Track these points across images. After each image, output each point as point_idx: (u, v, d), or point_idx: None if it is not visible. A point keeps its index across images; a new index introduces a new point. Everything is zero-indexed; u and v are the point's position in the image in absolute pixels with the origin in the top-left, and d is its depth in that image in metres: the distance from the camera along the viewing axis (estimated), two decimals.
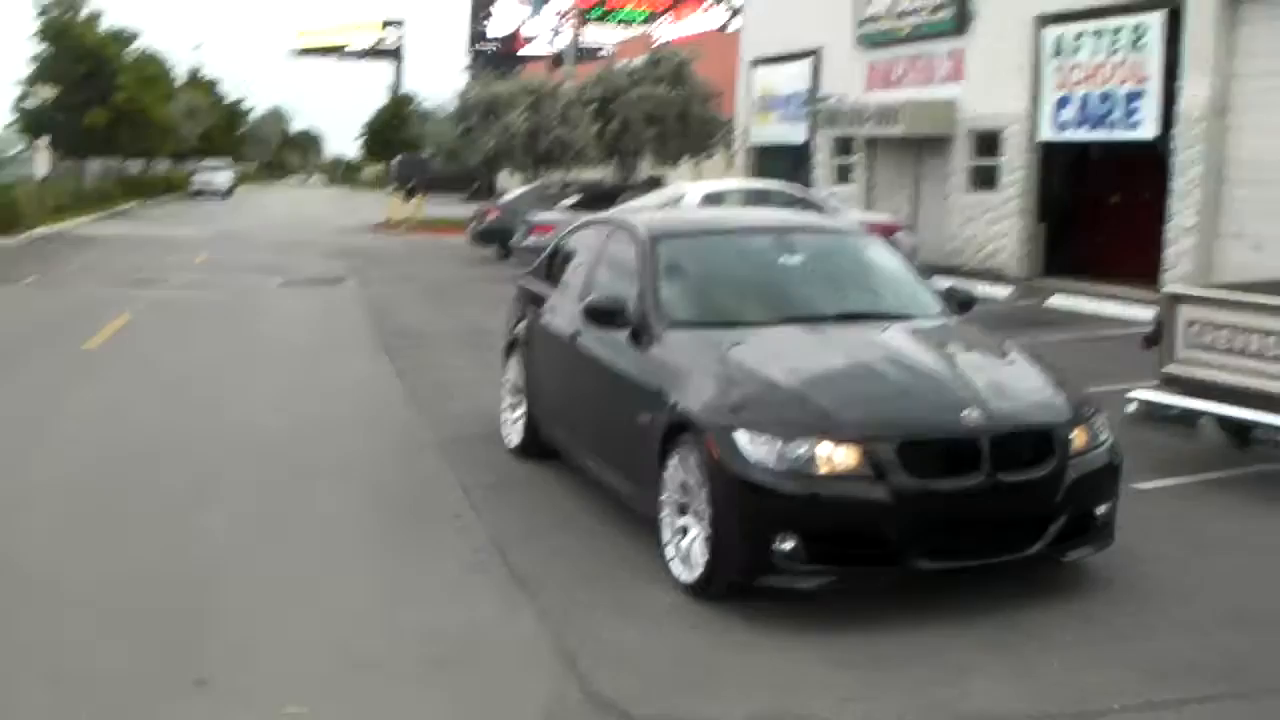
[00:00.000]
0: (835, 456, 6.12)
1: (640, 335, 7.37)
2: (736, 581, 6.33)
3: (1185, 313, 8.93)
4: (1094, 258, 21.55)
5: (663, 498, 6.78)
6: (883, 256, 8.39)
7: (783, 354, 6.93)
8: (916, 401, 6.43)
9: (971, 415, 6.28)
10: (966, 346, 7.43)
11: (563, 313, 8.56)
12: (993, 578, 6.51)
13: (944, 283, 8.80)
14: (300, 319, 17.81)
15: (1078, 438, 6.49)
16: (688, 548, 6.58)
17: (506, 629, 6.20)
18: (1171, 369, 9.01)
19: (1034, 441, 6.36)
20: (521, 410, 9.26)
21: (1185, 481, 8.81)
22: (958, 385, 6.56)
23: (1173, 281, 16.23)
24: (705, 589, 6.43)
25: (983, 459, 6.18)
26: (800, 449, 6.15)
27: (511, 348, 9.63)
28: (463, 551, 7.26)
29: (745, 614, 6.28)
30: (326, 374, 13.19)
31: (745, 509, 6.21)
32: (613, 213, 11.71)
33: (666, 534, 6.78)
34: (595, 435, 7.90)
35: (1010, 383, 6.80)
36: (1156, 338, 9.12)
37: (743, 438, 6.26)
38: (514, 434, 9.36)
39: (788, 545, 6.13)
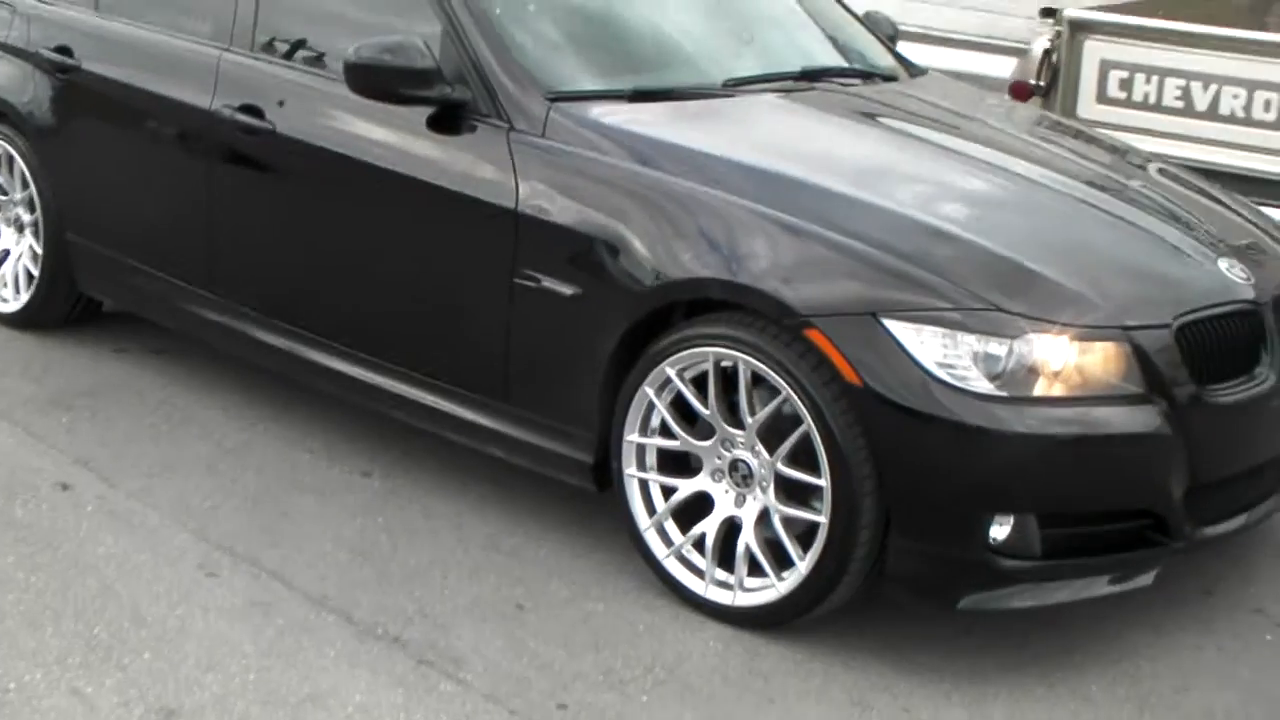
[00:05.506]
0: (1086, 361, 3.23)
1: (460, 118, 3.79)
2: (905, 601, 3.32)
3: (1095, 50, 5.71)
4: None
5: (629, 440, 3.52)
6: None
7: (830, 159, 3.80)
8: (1148, 249, 3.59)
9: (1235, 269, 3.61)
10: (1066, 134, 4.61)
11: (171, 69, 4.48)
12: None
13: None
14: None
15: None
16: (716, 542, 3.43)
17: None
18: None
19: None
20: (24, 245, 5.00)
21: None
22: (1174, 216, 3.80)
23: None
24: (795, 611, 3.36)
25: (1270, 341, 3.54)
26: (1021, 349, 3.19)
27: None
28: (181, 570, 3.48)
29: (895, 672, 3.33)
30: None
31: (928, 470, 3.17)
32: None
33: (643, 518, 3.53)
34: (334, 308, 4.16)
35: (1200, 198, 4.11)
36: (1042, 85, 5.80)
37: (908, 334, 3.19)
38: (10, 286, 5.06)
39: (1002, 532, 3.22)
